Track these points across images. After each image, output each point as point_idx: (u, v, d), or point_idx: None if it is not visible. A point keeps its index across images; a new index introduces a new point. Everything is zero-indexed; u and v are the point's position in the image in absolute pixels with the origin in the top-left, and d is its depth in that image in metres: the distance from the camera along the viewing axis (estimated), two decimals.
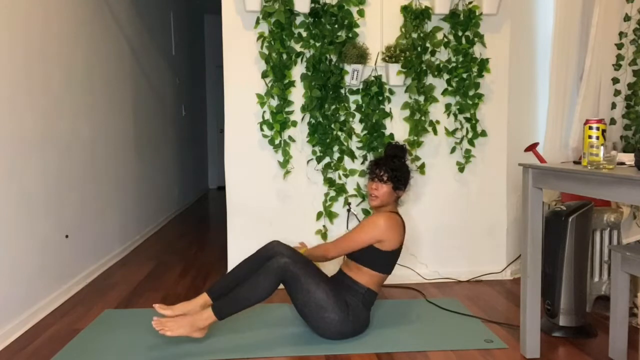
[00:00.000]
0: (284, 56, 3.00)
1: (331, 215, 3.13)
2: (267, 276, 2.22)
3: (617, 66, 3.12)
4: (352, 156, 3.13)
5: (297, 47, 3.04)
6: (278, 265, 2.23)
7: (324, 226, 3.15)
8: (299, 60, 3.06)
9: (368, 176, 2.51)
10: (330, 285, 2.33)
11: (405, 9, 3.08)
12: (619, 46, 3.11)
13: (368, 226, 2.40)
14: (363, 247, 2.39)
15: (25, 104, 2.58)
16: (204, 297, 2.34)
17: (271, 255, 2.37)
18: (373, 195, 2.44)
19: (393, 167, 2.43)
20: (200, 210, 6.51)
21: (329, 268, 2.72)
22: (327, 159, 3.12)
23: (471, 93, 3.15)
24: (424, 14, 3.07)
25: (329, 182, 3.13)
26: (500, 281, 3.26)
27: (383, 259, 2.42)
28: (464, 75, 3.14)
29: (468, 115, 3.18)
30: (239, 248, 3.10)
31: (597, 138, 1.94)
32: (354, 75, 3.01)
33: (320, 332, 2.34)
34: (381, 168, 2.43)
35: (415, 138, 3.15)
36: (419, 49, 3.07)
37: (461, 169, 3.24)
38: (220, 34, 3.16)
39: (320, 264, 2.55)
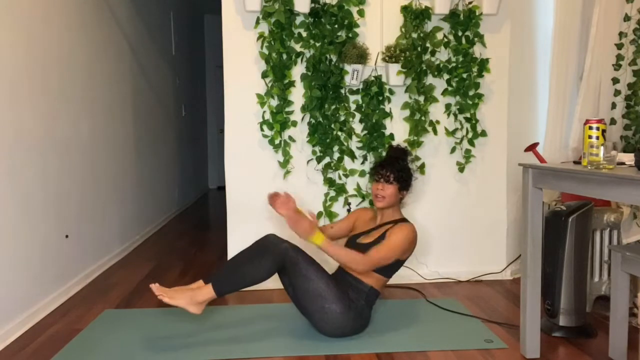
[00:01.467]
0: (284, 56, 3.00)
1: (331, 215, 3.13)
2: (268, 259, 2.26)
3: (617, 66, 3.12)
4: (352, 156, 3.13)
5: (297, 47, 3.04)
6: (278, 249, 2.27)
7: (323, 226, 3.15)
8: (299, 60, 3.06)
9: (372, 178, 2.52)
10: (331, 278, 2.33)
11: (405, 9, 3.08)
12: (619, 46, 3.11)
13: (403, 242, 2.39)
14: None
15: (26, 104, 2.58)
16: (199, 283, 2.34)
17: (269, 244, 2.37)
18: (379, 196, 2.45)
19: (399, 167, 2.45)
20: (200, 210, 6.51)
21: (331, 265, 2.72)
22: (327, 159, 3.12)
23: (471, 93, 3.16)
24: (424, 14, 3.07)
25: (329, 182, 3.13)
26: (500, 281, 3.26)
27: (393, 266, 2.45)
28: (464, 75, 3.14)
29: (468, 115, 3.18)
30: (239, 248, 3.08)
31: (597, 138, 1.94)
32: (354, 75, 3.01)
33: (321, 326, 2.33)
34: (387, 169, 2.45)
35: (415, 138, 3.15)
36: (419, 49, 3.07)
37: (461, 169, 3.24)
38: (220, 34, 3.16)
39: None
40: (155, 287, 2.21)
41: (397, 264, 2.45)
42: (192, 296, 2.20)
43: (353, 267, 2.35)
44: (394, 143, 3.07)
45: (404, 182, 2.47)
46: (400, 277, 3.16)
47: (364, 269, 2.35)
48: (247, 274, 2.25)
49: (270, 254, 2.28)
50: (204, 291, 2.22)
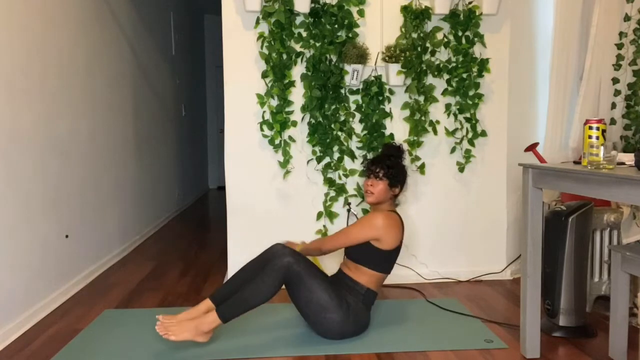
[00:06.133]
0: (284, 56, 3.00)
1: (331, 215, 3.13)
2: (271, 276, 2.22)
3: (617, 66, 3.12)
4: (352, 156, 3.13)
5: (297, 47, 3.04)
6: (281, 265, 2.23)
7: (324, 226, 3.15)
8: (299, 60, 3.06)
9: (364, 174, 2.54)
10: (332, 285, 2.33)
11: (405, 9, 3.08)
12: (619, 46, 3.11)
13: (366, 224, 2.41)
14: (359, 243, 2.41)
15: (25, 104, 2.58)
16: (206, 304, 2.31)
17: (272, 257, 2.34)
18: (369, 191, 2.47)
19: (388, 164, 2.45)
20: (200, 210, 6.50)
21: (330, 267, 2.72)
22: (327, 159, 3.12)
23: (471, 93, 3.16)
24: (424, 14, 3.07)
25: (329, 182, 3.13)
26: (500, 281, 3.26)
27: (381, 258, 2.42)
28: (464, 75, 3.14)
29: (468, 115, 3.18)
30: (239, 248, 3.10)
31: (597, 138, 1.94)
32: (354, 75, 3.01)
33: (321, 332, 2.35)
34: (377, 165, 2.46)
35: (415, 138, 3.15)
36: (419, 49, 3.07)
37: (461, 169, 3.24)
38: (220, 34, 3.16)
39: (320, 262, 2.55)
40: (159, 326, 2.15)
41: (383, 256, 2.40)
42: (197, 326, 2.16)
43: (321, 247, 2.49)
44: (390, 142, 3.07)
45: (394, 178, 2.46)
46: (400, 277, 3.17)
47: (331, 246, 2.48)
48: (252, 296, 2.20)
49: (273, 271, 2.22)
50: (209, 319, 2.17)
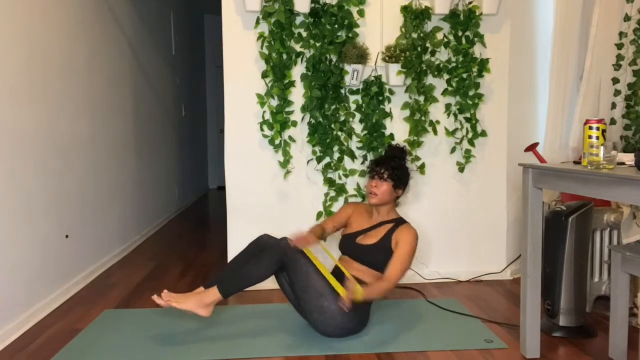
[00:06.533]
0: (284, 56, 3.00)
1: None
2: (269, 255, 2.28)
3: (617, 66, 3.12)
4: (352, 156, 3.13)
5: (297, 47, 3.04)
6: (281, 245, 2.30)
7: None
8: (299, 60, 3.06)
9: (368, 175, 2.54)
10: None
11: (405, 9, 3.08)
12: (619, 46, 3.11)
13: (413, 251, 2.43)
14: None
15: (25, 103, 2.58)
16: (200, 289, 2.36)
17: (269, 243, 2.40)
18: (373, 192, 2.48)
19: (393, 165, 2.46)
20: (200, 210, 6.51)
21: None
22: (327, 159, 3.12)
23: (471, 93, 3.16)
24: (424, 14, 3.07)
25: (329, 182, 3.13)
26: (500, 281, 3.26)
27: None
28: (464, 75, 3.14)
29: (468, 115, 3.18)
30: (239, 248, 3.08)
31: (597, 138, 1.94)
32: (354, 75, 3.01)
33: (320, 325, 2.32)
34: (381, 166, 2.47)
35: (415, 138, 3.15)
36: (419, 49, 3.07)
37: (461, 169, 3.24)
38: (220, 34, 3.16)
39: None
40: (163, 294, 2.22)
41: None
42: (200, 299, 2.23)
43: (389, 289, 2.39)
44: (394, 143, 3.08)
45: (398, 180, 2.48)
46: None
47: (393, 287, 2.43)
48: (250, 273, 2.26)
49: (271, 251, 2.30)
50: (211, 293, 2.24)
